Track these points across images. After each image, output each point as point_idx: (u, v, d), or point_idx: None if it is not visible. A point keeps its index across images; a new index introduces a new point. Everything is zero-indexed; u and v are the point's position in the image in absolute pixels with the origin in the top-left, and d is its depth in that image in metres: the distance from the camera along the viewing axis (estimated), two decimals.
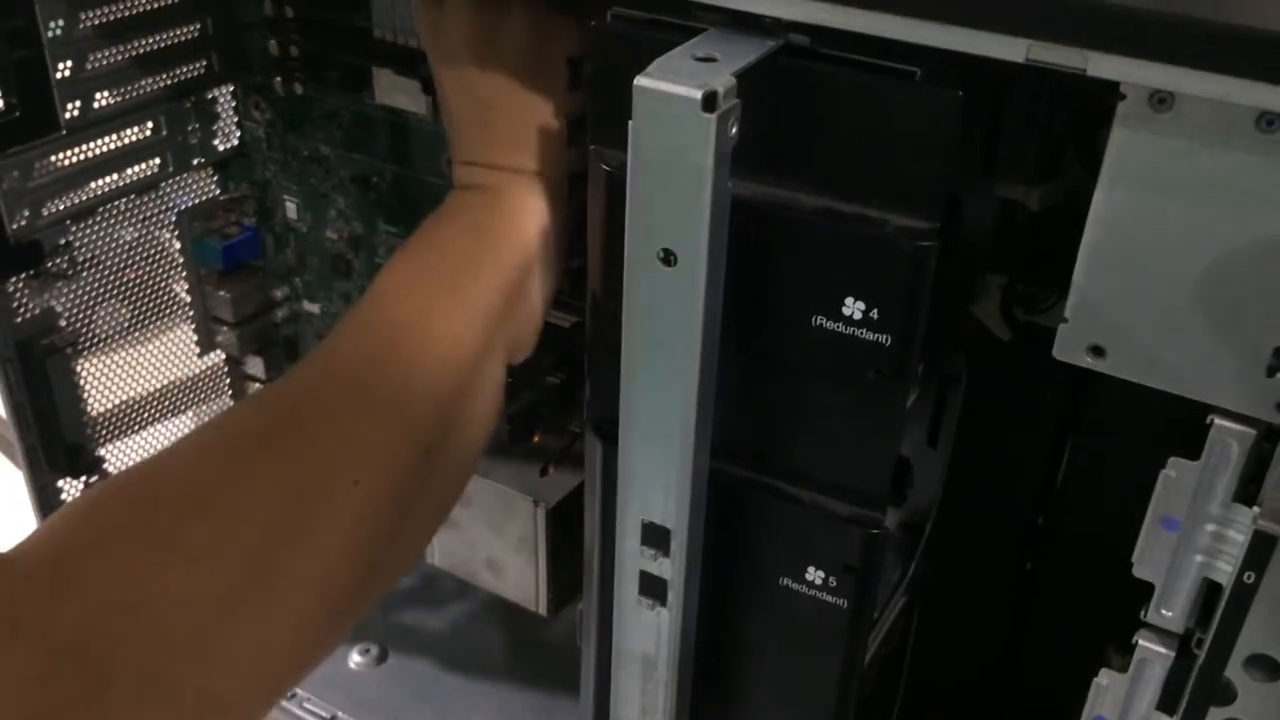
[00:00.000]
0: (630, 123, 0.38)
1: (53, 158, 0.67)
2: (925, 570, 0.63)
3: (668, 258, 0.39)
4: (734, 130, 0.38)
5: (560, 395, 0.63)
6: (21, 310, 0.69)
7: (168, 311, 0.81)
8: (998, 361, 0.55)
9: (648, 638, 0.48)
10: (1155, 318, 0.39)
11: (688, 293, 0.39)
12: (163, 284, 0.79)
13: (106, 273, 0.74)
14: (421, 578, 0.80)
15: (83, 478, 0.75)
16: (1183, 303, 0.38)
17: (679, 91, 0.36)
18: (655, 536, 0.45)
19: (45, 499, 0.74)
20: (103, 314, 0.75)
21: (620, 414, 0.43)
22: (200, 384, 0.85)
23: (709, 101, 0.36)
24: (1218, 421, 0.39)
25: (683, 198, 0.38)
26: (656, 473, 0.44)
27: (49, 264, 0.69)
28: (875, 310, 0.41)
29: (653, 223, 0.39)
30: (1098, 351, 0.40)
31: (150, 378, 0.81)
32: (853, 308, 0.42)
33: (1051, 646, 0.63)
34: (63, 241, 0.70)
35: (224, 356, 0.85)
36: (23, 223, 0.66)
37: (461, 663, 0.76)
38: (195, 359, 0.83)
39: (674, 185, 0.38)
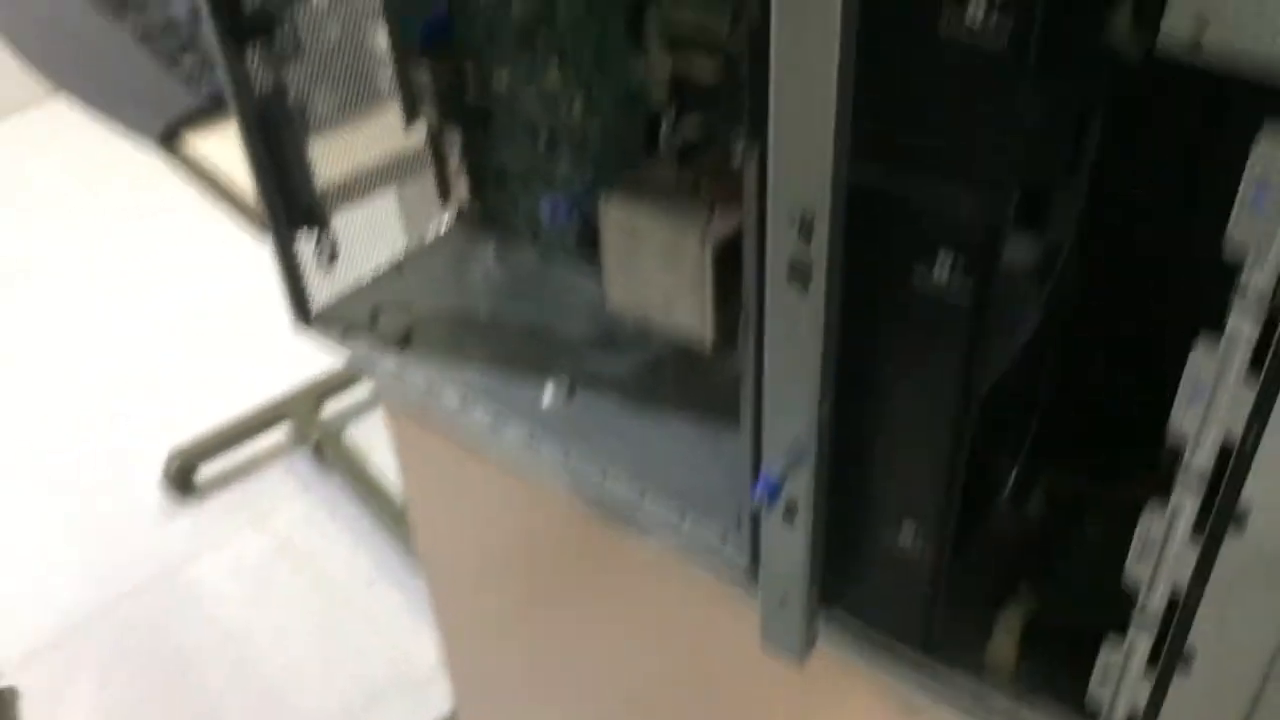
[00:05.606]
0: None
1: None
2: (1064, 304, 0.67)
3: None
4: None
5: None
6: (259, 81, 0.80)
7: (371, 89, 0.90)
8: (1136, 92, 0.57)
9: (794, 322, 0.54)
10: None
11: None
12: (367, 63, 0.89)
13: (320, 51, 0.84)
14: (603, 327, 0.89)
15: (316, 228, 0.87)
16: None
17: None
18: (802, 225, 0.51)
19: (285, 249, 0.86)
20: (319, 91, 0.85)
21: (771, 109, 0.49)
22: (405, 159, 0.95)
23: None
24: None
25: None
26: (802, 163, 0.50)
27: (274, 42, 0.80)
28: None
29: None
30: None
31: (361, 151, 0.92)
32: None
33: None
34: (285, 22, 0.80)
35: (426, 133, 0.94)
36: None
37: (642, 398, 0.85)
38: (399, 134, 0.93)
39: None
